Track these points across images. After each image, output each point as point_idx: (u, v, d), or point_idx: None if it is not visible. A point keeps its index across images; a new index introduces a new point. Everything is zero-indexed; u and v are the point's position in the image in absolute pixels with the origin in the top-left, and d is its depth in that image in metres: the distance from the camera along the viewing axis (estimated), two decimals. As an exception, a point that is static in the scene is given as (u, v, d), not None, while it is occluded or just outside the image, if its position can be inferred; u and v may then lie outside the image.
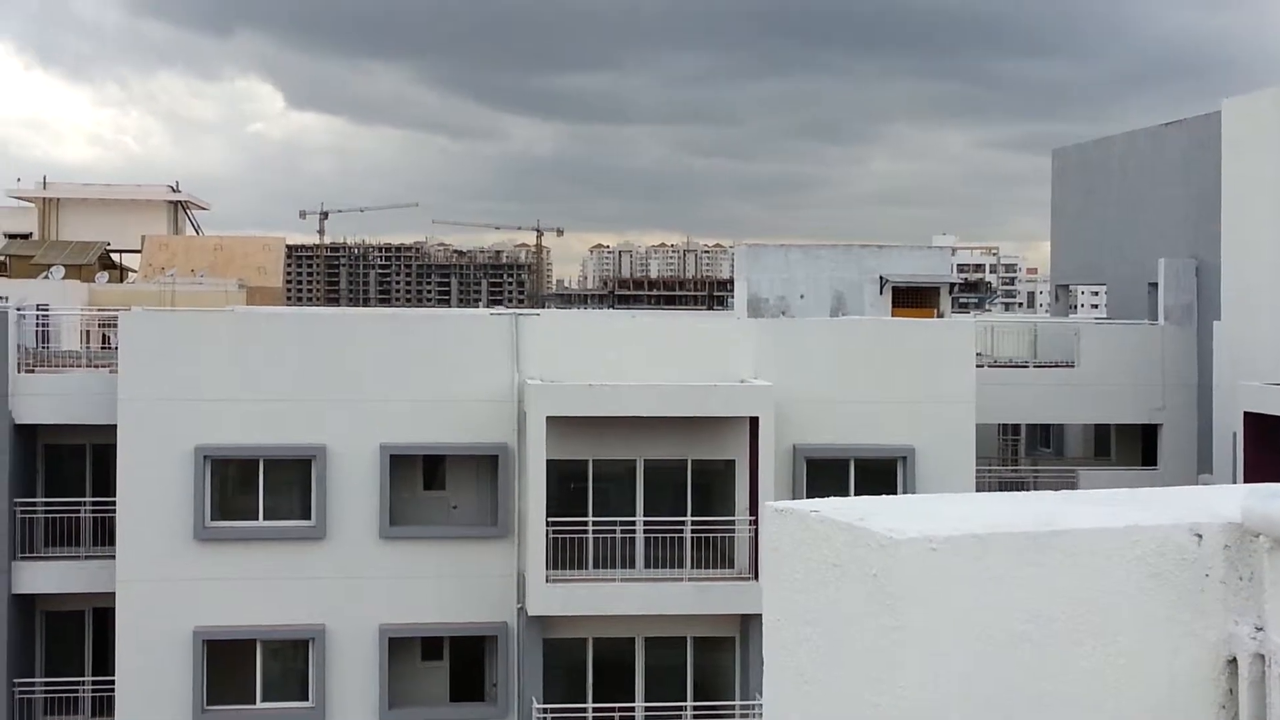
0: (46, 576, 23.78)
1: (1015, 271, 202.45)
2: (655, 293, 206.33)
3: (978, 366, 26.03)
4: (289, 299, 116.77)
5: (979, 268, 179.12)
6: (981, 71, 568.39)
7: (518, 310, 28.04)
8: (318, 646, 23.49)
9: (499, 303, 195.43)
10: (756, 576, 22.78)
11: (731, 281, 61.16)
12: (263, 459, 23.67)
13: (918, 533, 2.18)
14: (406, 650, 24.16)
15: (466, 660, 24.58)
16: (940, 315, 36.30)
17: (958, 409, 24.45)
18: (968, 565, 2.18)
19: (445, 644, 24.48)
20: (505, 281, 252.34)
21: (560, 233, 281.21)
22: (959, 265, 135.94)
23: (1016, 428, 33.26)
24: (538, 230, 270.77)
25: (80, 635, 24.87)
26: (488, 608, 23.79)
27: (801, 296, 36.01)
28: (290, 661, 23.82)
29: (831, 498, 2.47)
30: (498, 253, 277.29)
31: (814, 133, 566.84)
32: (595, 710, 23.34)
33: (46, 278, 53.96)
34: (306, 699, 23.64)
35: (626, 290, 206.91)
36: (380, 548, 23.67)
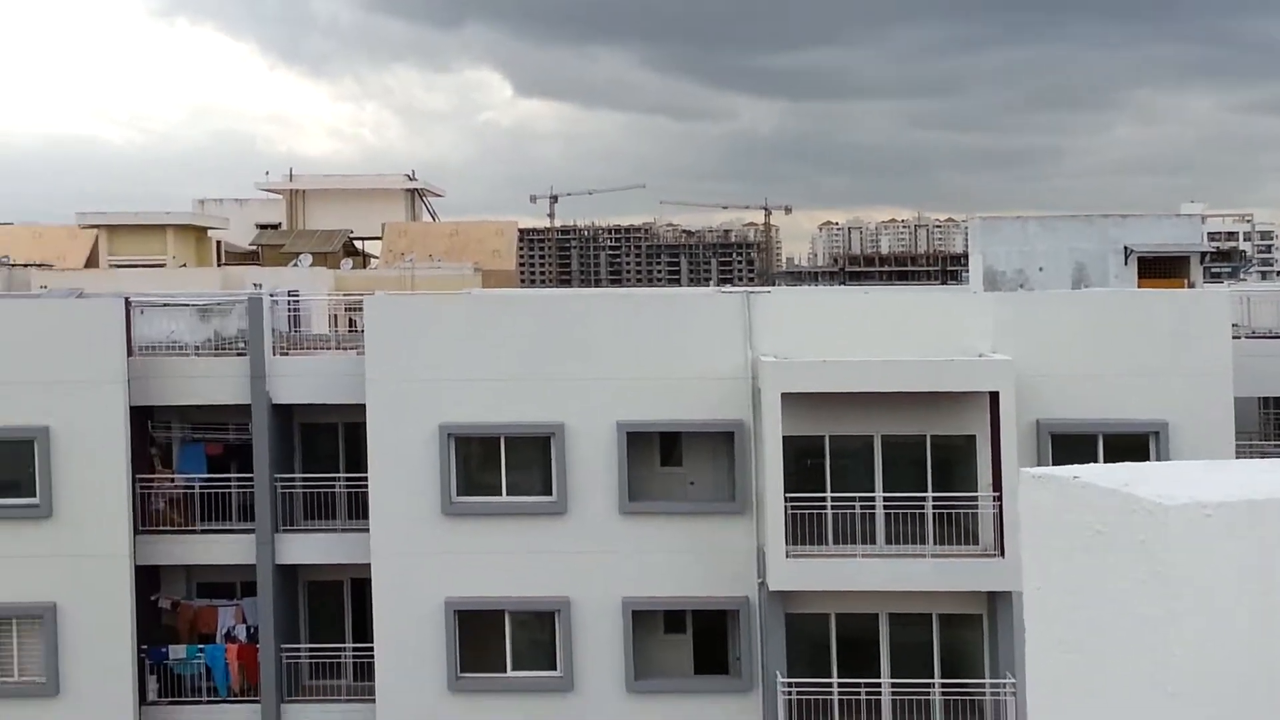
0: (307, 548, 24.91)
1: (1271, 239, 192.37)
2: (886, 269, 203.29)
3: (1234, 338, 24.90)
4: (522, 281, 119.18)
5: (1231, 235, 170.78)
6: (1226, 32, 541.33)
7: (748, 289, 28.03)
8: (563, 618, 24.05)
9: (728, 281, 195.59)
10: (1002, 553, 22.34)
11: (965, 256, 59.86)
12: (504, 436, 24.29)
13: (1189, 499, 2.14)
14: (650, 623, 24.53)
15: (709, 633, 24.81)
16: (1191, 286, 34.86)
17: (1213, 382, 23.46)
18: (1242, 531, 2.14)
19: (687, 617, 24.74)
20: (734, 260, 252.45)
21: (789, 210, 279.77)
22: (1209, 234, 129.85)
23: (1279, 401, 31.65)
24: (766, 209, 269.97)
25: (339, 604, 26.01)
26: (728, 582, 23.96)
27: (1040, 269, 35.04)
28: (537, 632, 24.45)
29: (1089, 464, 2.44)
30: (726, 232, 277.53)
31: (1051, 101, 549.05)
32: (840, 686, 23.28)
33: (296, 265, 56.39)
34: (554, 668, 24.24)
35: (857, 267, 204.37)
36: (620, 523, 24.06)
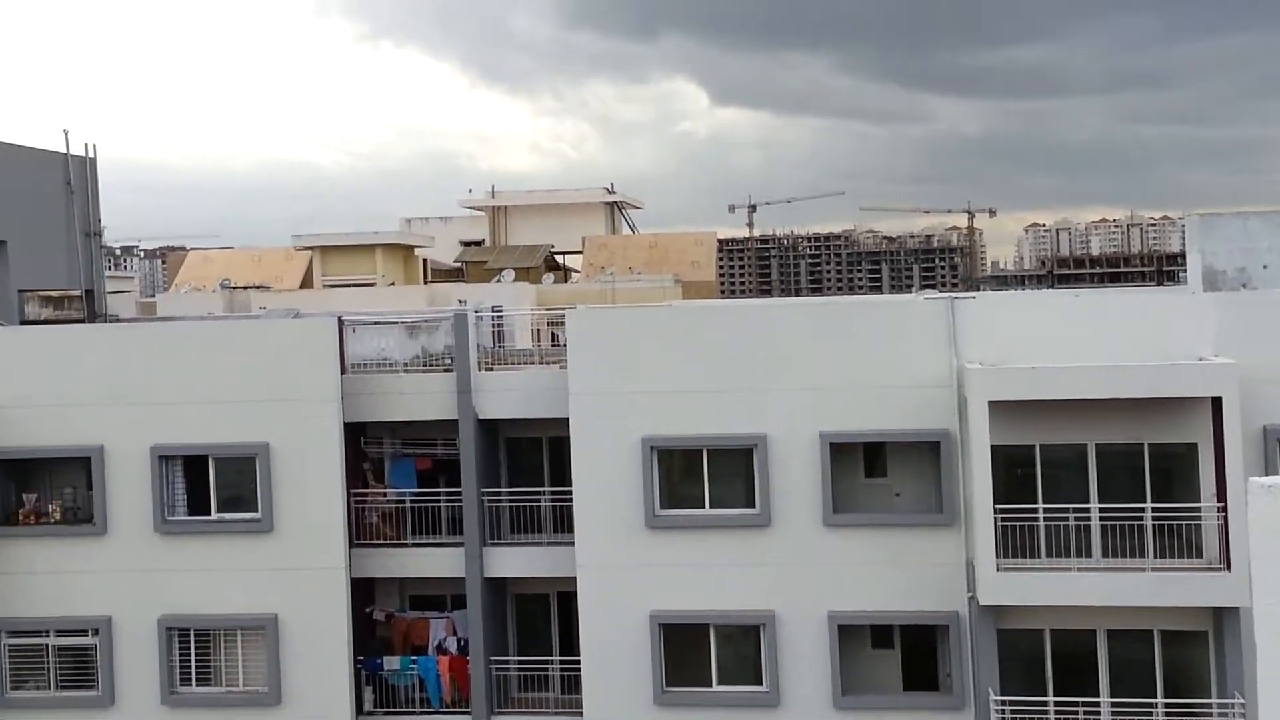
0: (514, 561, 25.21)
1: None
2: (1097, 270, 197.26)
3: None
4: (722, 292, 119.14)
5: None
6: None
7: (952, 294, 27.40)
8: (768, 632, 23.82)
9: (931, 287, 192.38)
10: (1229, 566, 21.33)
11: (1182, 255, 57.61)
12: (706, 448, 24.20)
13: None
14: (856, 637, 24.13)
15: (917, 649, 24.28)
16: None
17: None
18: None
19: (895, 632, 24.25)
20: (937, 265, 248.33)
21: (992, 213, 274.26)
22: None
23: None
24: (969, 212, 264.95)
25: (546, 616, 26.26)
26: (936, 596, 23.42)
27: (1265, 267, 33.40)
28: (742, 646, 24.28)
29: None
30: (928, 236, 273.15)
31: (1270, 90, 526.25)
32: (1057, 704, 22.52)
33: (499, 281, 57.42)
34: (760, 683, 24.03)
35: (1066, 269, 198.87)
36: (824, 535, 23.74)
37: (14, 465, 25.46)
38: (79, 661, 25.18)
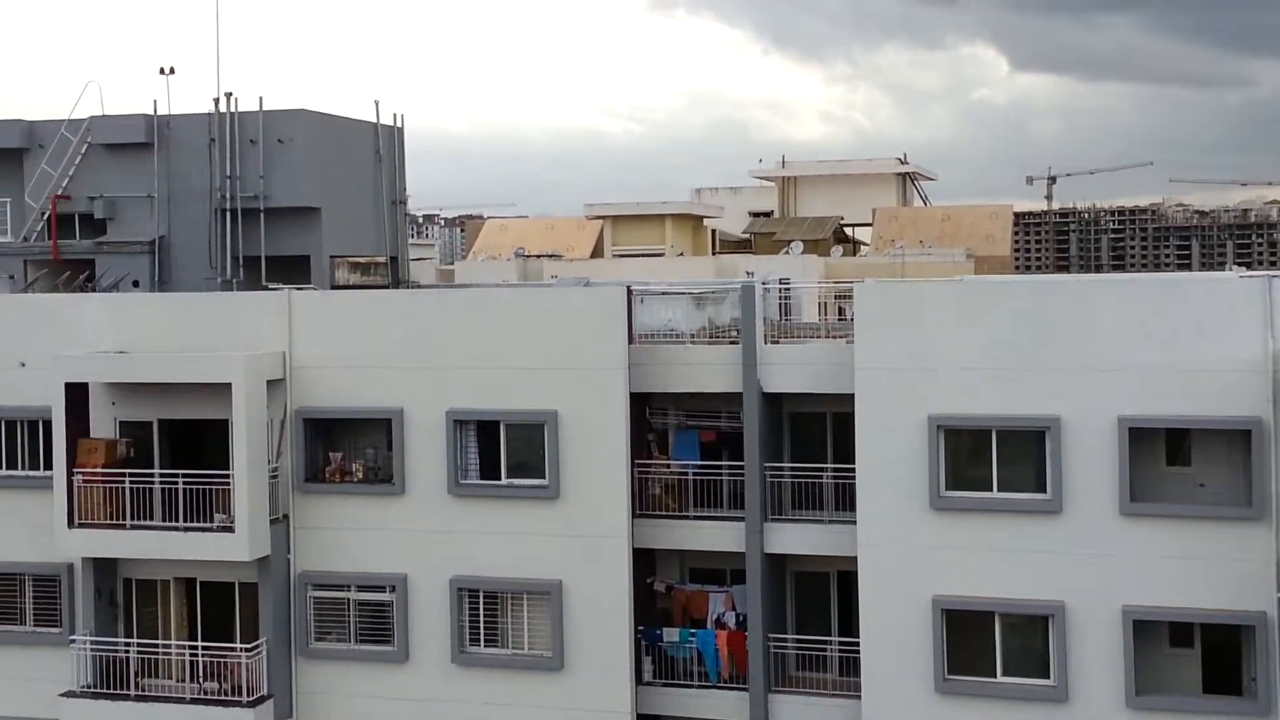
0: (794, 538, 24.99)
1: None
2: None
3: None
4: (1017, 267, 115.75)
5: None
6: None
7: (1269, 272, 25.72)
8: (1057, 624, 22.92)
9: (1246, 265, 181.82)
10: None
11: None
12: (995, 429, 23.43)
13: None
14: (1152, 634, 22.95)
15: (1219, 649, 22.92)
16: None
17: None
18: None
19: (1195, 630, 22.96)
20: (1253, 242, 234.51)
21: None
22: None
23: None
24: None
25: (826, 595, 25.98)
26: (1242, 594, 22.04)
27: None
28: (1029, 637, 23.43)
29: None
30: (1244, 211, 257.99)
31: None
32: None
33: (787, 253, 57.19)
34: (1047, 677, 23.15)
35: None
36: (1121, 525, 22.65)
37: (321, 424, 26.75)
38: (376, 616, 26.32)
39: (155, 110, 33.71)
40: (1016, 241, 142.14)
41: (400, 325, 26.31)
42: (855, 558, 24.04)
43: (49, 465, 26.77)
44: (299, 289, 28.64)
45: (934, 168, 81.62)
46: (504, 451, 25.79)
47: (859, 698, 24.11)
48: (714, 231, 69.22)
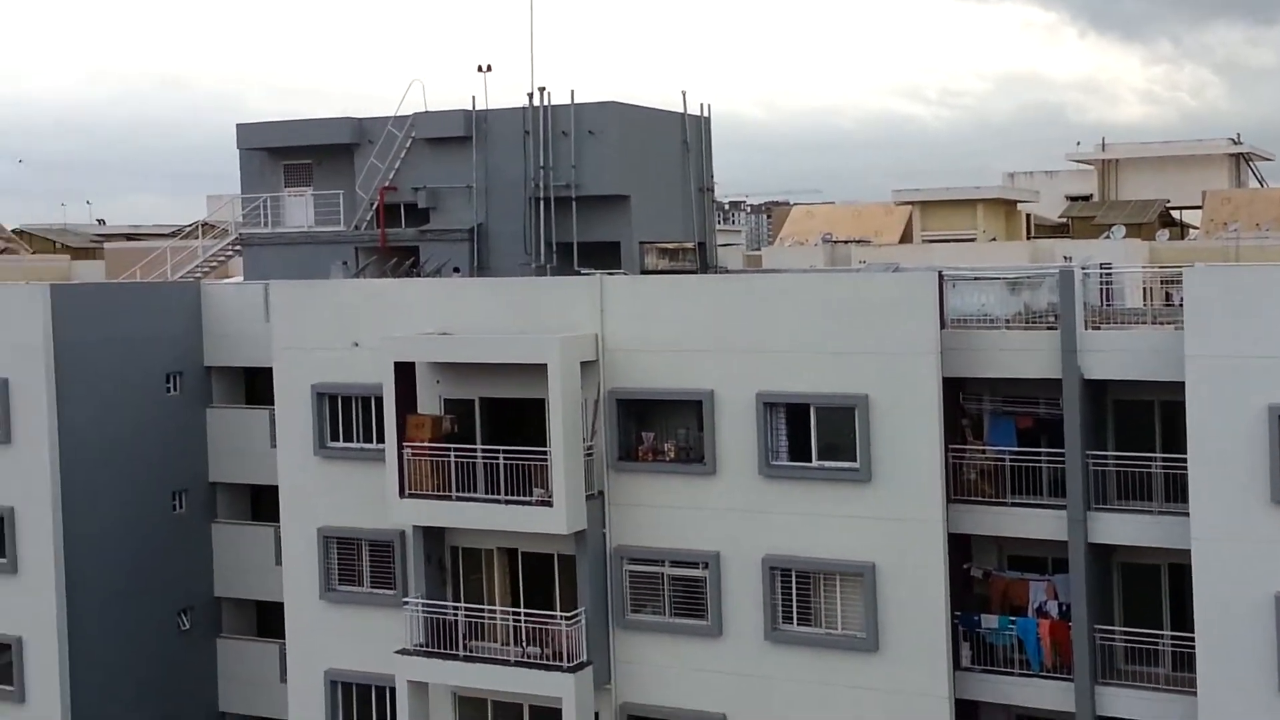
0: (1120, 528, 23.97)
1: None
2: None
3: None
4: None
5: None
6: None
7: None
8: None
9: None
10: None
11: None
12: (1342, 419, 21.87)
13: None
14: None
15: None
16: None
17: None
18: None
19: None
20: None
21: None
22: None
23: None
24: None
25: (1156, 589, 24.82)
26: None
27: None
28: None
29: None
30: None
31: None
32: None
33: (1107, 237, 54.93)
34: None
35: None
36: None
37: (634, 405, 27.23)
38: (690, 591, 26.66)
39: (474, 106, 35.08)
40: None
41: (710, 309, 26.51)
42: (1188, 550, 22.86)
43: (381, 439, 28.19)
44: (610, 274, 29.24)
45: (1271, 149, 76.78)
46: (814, 434, 25.68)
47: (1194, 694, 22.94)
48: (1028, 216, 67.14)
